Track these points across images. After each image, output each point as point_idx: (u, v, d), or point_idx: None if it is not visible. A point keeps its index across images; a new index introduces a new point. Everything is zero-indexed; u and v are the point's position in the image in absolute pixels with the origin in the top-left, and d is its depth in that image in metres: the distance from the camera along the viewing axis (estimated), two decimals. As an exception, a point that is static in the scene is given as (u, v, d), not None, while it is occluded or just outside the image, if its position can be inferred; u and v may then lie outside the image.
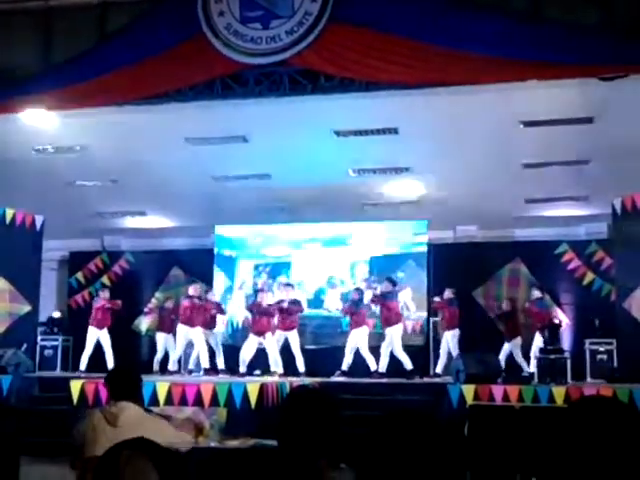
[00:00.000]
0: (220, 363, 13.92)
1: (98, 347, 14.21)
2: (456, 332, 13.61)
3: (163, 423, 4.70)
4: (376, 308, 13.95)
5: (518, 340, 13.58)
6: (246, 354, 13.31)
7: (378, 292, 13.80)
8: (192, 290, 14.36)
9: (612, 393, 9.59)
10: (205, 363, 13.67)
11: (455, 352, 13.14)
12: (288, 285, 14.45)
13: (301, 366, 13.38)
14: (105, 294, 14.65)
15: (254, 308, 13.71)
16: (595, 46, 8.93)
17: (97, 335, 14.17)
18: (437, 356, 14.03)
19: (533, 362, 12.89)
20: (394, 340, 13.05)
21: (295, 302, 13.87)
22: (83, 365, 14.01)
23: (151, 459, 2.21)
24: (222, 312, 14.64)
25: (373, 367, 13.00)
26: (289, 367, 13.42)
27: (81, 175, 13.59)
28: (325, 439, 2.71)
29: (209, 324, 14.22)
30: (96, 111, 10.57)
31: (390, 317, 13.21)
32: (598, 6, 9.22)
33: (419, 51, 9.36)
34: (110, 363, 13.84)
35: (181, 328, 14.02)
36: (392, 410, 2.70)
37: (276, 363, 13.26)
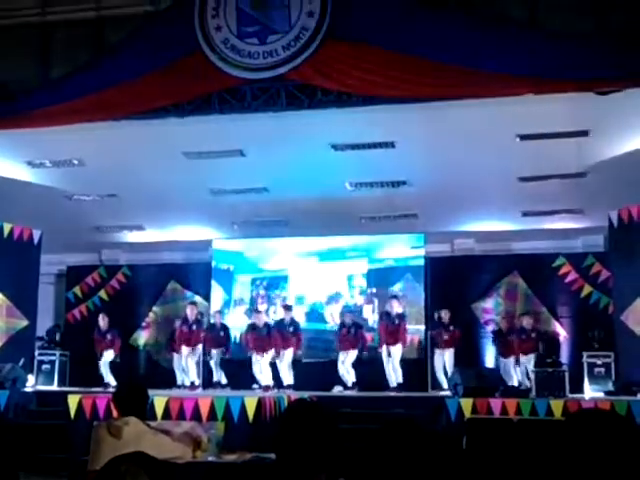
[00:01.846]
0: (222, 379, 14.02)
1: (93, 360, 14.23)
2: (452, 350, 13.56)
3: (163, 438, 4.75)
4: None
5: (511, 359, 13.51)
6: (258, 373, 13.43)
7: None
8: (189, 311, 14.36)
9: (610, 406, 9.59)
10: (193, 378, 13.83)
11: (450, 368, 13.11)
12: (287, 307, 14.44)
13: (287, 380, 13.42)
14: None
15: (250, 330, 13.84)
16: (591, 61, 8.98)
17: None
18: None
19: (521, 377, 12.97)
20: (395, 355, 13.13)
21: (293, 324, 13.90)
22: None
23: (148, 473, 2.22)
24: (226, 332, 14.62)
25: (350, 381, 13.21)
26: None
27: (79, 189, 13.61)
28: (323, 453, 2.72)
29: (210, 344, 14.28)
30: (94, 125, 10.60)
31: (396, 335, 13.28)
32: (594, 20, 9.28)
33: (415, 66, 9.41)
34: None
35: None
36: (389, 423, 2.71)
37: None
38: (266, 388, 13.08)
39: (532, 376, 12.33)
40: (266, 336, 13.57)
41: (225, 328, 14.56)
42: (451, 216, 14.39)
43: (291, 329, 13.73)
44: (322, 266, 15.71)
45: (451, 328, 13.67)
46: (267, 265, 15.99)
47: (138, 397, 4.88)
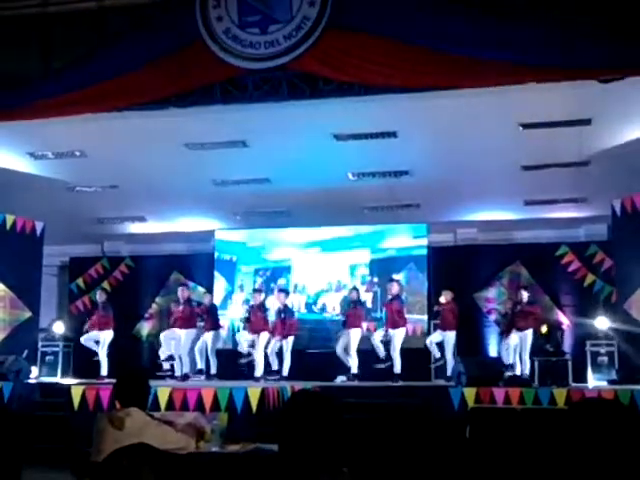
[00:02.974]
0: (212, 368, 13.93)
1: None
2: (453, 334, 13.40)
3: (166, 428, 4.75)
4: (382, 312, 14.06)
5: (509, 339, 13.30)
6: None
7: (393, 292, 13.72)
8: (180, 293, 14.26)
9: (613, 395, 9.61)
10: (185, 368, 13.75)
11: (449, 355, 13.07)
12: (282, 291, 14.25)
13: (286, 370, 13.31)
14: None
15: (249, 309, 13.72)
16: (593, 48, 8.94)
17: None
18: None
19: (526, 364, 12.82)
20: (395, 342, 13.08)
21: (288, 311, 13.84)
22: None
23: (151, 465, 2.23)
24: (215, 316, 14.49)
25: (354, 369, 13.06)
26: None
27: (81, 181, 13.61)
28: (327, 443, 2.71)
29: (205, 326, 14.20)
30: (96, 117, 10.59)
31: (397, 320, 13.27)
32: (596, 7, 9.24)
33: (417, 55, 9.38)
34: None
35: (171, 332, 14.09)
36: (392, 412, 2.70)
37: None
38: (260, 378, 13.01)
39: (529, 363, 12.33)
40: (262, 317, 13.50)
41: (214, 308, 14.46)
42: (453, 206, 14.39)
43: (282, 315, 13.60)
44: (325, 256, 15.72)
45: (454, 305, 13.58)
46: (270, 255, 16.01)
47: (139, 388, 4.88)
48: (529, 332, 12.88)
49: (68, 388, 10.78)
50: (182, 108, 10.36)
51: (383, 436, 2.71)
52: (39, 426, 10.37)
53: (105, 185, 13.75)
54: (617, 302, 13.08)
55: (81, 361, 14.75)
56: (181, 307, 13.92)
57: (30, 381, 12.84)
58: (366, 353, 13.26)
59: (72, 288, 16.99)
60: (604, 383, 12.42)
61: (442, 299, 13.62)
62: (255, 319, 13.38)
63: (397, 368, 12.92)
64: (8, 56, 10.80)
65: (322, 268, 15.65)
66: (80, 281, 16.98)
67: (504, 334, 13.47)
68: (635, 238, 12.44)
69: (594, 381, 12.91)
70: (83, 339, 14.22)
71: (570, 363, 12.35)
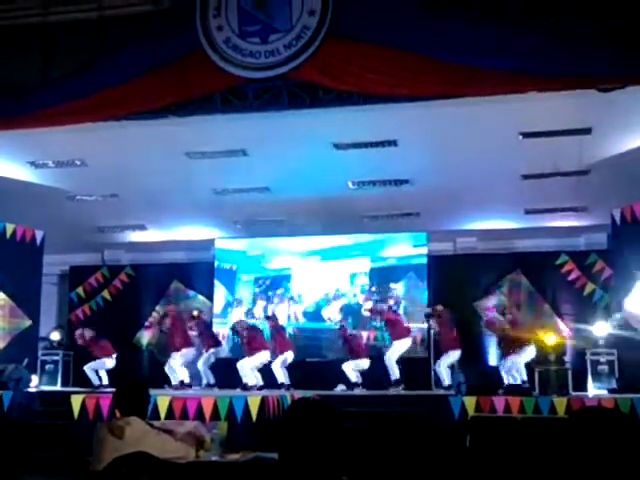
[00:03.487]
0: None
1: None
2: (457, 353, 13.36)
3: (166, 437, 4.74)
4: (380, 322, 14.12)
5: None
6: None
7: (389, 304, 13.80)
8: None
9: (614, 404, 9.59)
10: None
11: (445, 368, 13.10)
12: (269, 318, 14.47)
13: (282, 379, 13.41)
14: None
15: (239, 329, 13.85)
16: (593, 57, 8.97)
17: None
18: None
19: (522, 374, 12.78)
20: (395, 351, 13.11)
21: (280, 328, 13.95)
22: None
23: (150, 474, 2.22)
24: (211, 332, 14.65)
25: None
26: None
27: (81, 190, 13.62)
28: (326, 451, 2.71)
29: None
30: (96, 126, 10.61)
31: (400, 331, 13.27)
32: (596, 16, 9.26)
33: (417, 64, 9.40)
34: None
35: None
36: (393, 421, 2.71)
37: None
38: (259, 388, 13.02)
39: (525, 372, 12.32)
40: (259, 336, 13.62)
41: (209, 325, 14.82)
42: (453, 214, 14.39)
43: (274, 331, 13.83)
44: (325, 265, 15.72)
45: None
46: (270, 264, 16.01)
47: (139, 397, 4.88)
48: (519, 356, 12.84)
49: (68, 397, 10.76)
50: (182, 117, 10.38)
51: (384, 445, 2.71)
52: (39, 435, 10.36)
53: (105, 194, 13.77)
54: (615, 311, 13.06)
55: (81, 370, 14.70)
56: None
57: (30, 390, 12.82)
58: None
59: (72, 297, 16.97)
60: (604, 392, 12.39)
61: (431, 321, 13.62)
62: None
63: (394, 376, 12.99)
64: (9, 65, 10.83)
65: (322, 277, 15.64)
66: (80, 290, 16.96)
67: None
68: (635, 247, 12.43)
69: (594, 390, 12.88)
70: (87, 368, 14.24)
71: (570, 372, 12.31)
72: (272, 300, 15.62)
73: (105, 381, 13.97)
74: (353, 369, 13.29)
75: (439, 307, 13.66)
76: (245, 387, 12.96)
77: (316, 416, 2.79)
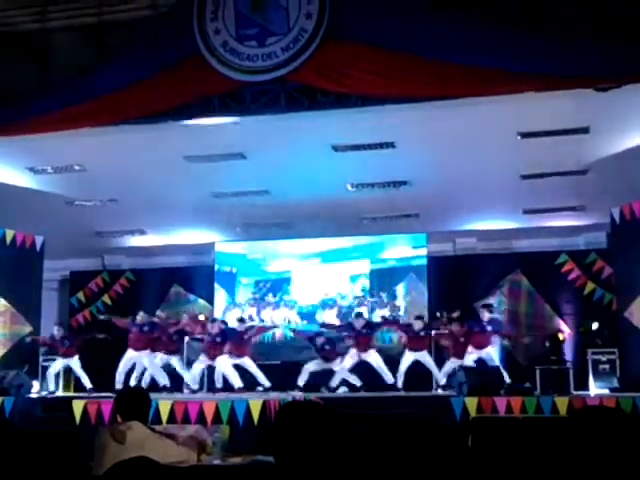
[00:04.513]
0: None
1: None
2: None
3: (167, 442, 4.74)
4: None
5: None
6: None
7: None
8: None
9: (615, 403, 9.59)
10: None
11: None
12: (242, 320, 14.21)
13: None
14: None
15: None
16: (590, 57, 8.98)
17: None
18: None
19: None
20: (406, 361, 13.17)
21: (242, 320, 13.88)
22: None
23: (152, 479, 2.23)
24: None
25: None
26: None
27: (80, 195, 13.62)
28: (321, 453, 2.71)
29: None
30: (95, 131, 10.61)
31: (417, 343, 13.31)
32: (593, 16, 9.27)
33: (414, 65, 9.41)
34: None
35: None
36: (395, 423, 2.70)
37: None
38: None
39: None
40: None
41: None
42: (453, 215, 14.40)
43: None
44: (325, 267, 15.72)
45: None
46: (270, 267, 16.01)
47: (140, 401, 4.88)
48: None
49: (69, 402, 10.75)
50: (180, 121, 10.39)
51: (384, 447, 2.70)
52: (41, 441, 10.35)
53: (104, 199, 13.76)
54: (617, 310, 13.06)
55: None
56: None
57: (32, 396, 12.81)
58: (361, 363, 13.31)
59: (73, 302, 16.98)
60: (606, 391, 12.38)
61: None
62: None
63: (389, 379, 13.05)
64: (7, 71, 10.85)
65: (322, 279, 15.64)
66: (81, 295, 16.97)
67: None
68: (634, 245, 12.44)
69: (596, 389, 12.87)
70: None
71: (571, 371, 12.31)
72: (264, 307, 15.64)
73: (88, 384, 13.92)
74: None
75: (455, 314, 13.53)
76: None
77: (307, 418, 2.78)
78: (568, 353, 13.94)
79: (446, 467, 2.63)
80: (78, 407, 10.42)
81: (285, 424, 2.79)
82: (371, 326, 13.59)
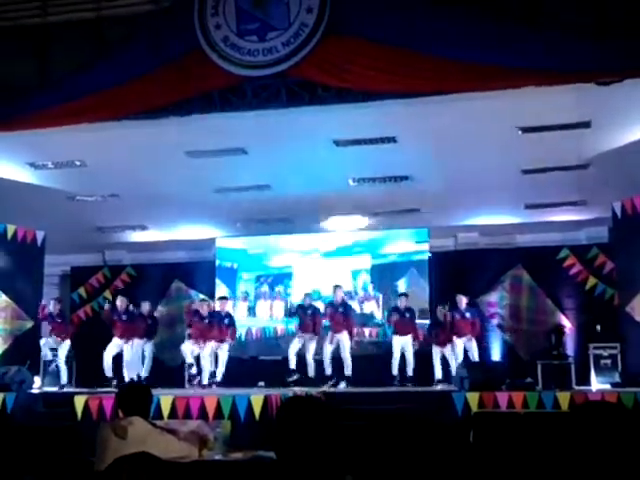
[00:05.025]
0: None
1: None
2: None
3: (169, 437, 4.75)
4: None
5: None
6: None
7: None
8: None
9: (617, 398, 9.59)
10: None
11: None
12: (224, 298, 14.37)
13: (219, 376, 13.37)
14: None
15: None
16: (591, 51, 8.96)
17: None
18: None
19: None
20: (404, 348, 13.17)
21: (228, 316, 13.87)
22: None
23: (153, 474, 2.22)
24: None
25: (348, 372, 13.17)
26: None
27: (81, 190, 13.61)
28: (322, 448, 2.70)
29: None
30: (95, 126, 10.59)
31: (405, 328, 13.34)
32: (593, 11, 9.25)
33: (415, 60, 9.39)
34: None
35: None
36: (394, 418, 2.70)
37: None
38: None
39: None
40: (207, 326, 13.48)
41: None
42: (454, 210, 14.39)
43: (226, 321, 13.64)
44: (326, 262, 15.72)
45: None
46: (271, 262, 16.02)
47: (142, 397, 4.88)
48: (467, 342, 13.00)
49: (71, 398, 10.76)
50: (182, 116, 10.37)
51: (386, 442, 2.70)
52: (43, 436, 10.35)
53: (105, 194, 13.75)
54: (619, 305, 13.06)
55: (84, 370, 14.70)
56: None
57: (33, 391, 12.82)
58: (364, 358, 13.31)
59: (74, 297, 16.99)
60: (607, 386, 12.39)
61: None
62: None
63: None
64: (6, 66, 10.83)
65: (323, 274, 15.63)
66: (82, 290, 17.00)
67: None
68: (636, 240, 12.43)
69: (597, 384, 12.88)
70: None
71: (573, 366, 12.32)
72: (257, 299, 15.65)
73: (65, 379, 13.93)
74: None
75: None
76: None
77: (308, 413, 2.78)
78: (570, 348, 13.95)
79: (448, 462, 2.63)
80: (80, 402, 10.43)
81: (286, 419, 2.78)
82: (347, 306, 13.63)
